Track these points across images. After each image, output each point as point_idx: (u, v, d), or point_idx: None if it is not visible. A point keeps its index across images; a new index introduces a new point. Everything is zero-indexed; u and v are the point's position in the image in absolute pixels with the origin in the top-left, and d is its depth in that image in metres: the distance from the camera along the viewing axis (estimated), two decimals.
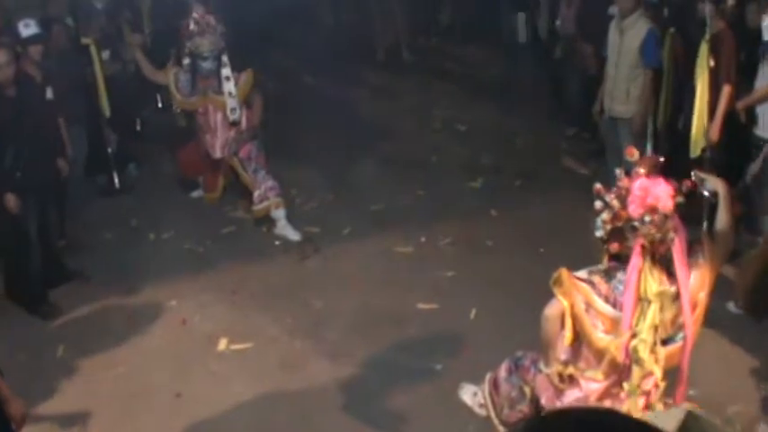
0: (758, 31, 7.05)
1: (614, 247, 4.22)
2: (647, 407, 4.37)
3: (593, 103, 8.56)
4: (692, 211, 4.45)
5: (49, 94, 7.74)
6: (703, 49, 7.03)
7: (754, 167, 7.06)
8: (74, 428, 5.91)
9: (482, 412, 5.40)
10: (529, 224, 8.38)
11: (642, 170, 4.11)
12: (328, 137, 10.66)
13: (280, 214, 8.55)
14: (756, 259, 6.09)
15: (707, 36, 7.01)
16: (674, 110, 7.95)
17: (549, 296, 6.62)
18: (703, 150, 7.20)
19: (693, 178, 4.46)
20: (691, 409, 4.14)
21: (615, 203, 4.15)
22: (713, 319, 6.51)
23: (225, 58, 8.35)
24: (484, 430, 5.37)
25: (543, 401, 4.70)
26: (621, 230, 4.16)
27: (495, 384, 5.20)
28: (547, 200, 8.80)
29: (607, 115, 8.27)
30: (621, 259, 4.22)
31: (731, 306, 6.59)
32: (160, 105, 12.11)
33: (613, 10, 8.28)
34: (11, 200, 6.96)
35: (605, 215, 4.19)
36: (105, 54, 9.23)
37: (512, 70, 12.98)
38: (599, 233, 4.27)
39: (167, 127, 10.81)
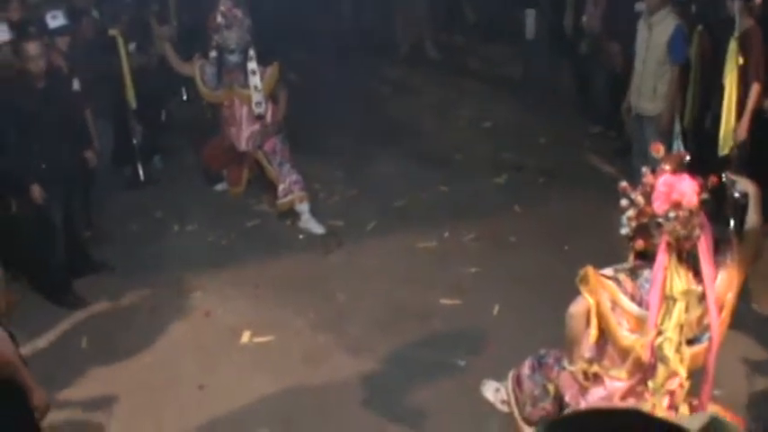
0: None
1: (639, 244, 4.20)
2: (672, 407, 4.35)
3: (619, 101, 8.53)
4: (721, 211, 4.43)
5: (76, 85, 7.80)
6: (732, 46, 6.98)
7: None
8: (97, 419, 5.94)
9: (504, 408, 5.38)
10: (552, 221, 8.35)
11: (667, 167, 4.08)
12: (351, 132, 10.66)
13: (304, 208, 8.57)
14: None
15: (736, 33, 6.97)
16: (701, 108, 7.88)
17: (573, 293, 6.61)
18: (731, 149, 7.15)
19: (724, 179, 4.43)
20: (715, 414, 4.13)
21: (640, 200, 4.13)
22: (738, 319, 6.53)
23: (251, 52, 8.36)
24: (506, 426, 5.36)
25: (567, 399, 4.68)
26: (647, 227, 4.13)
27: (518, 381, 5.19)
28: (570, 197, 8.77)
29: (634, 113, 8.23)
30: (647, 257, 4.19)
31: (756, 306, 6.56)
32: (185, 98, 12.14)
33: (641, 6, 8.23)
34: (36, 191, 7.00)
35: (630, 212, 4.18)
36: (132, 46, 9.25)
37: (536, 68, 12.91)
38: (624, 230, 4.25)
39: (192, 119, 10.85)
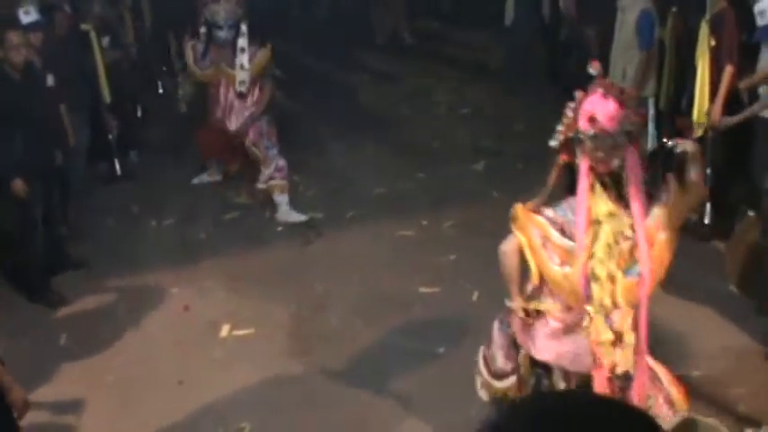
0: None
1: (563, 158, 4.37)
2: (618, 339, 4.34)
3: None
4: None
5: (50, 81, 7.74)
6: (704, 28, 6.99)
7: None
8: (77, 416, 5.91)
9: (483, 396, 5.37)
10: None
11: (599, 89, 4.18)
12: (329, 122, 10.64)
13: (283, 199, 8.55)
14: (745, 235, 6.16)
15: (707, 16, 6.98)
16: (676, 91, 7.90)
17: None
18: (705, 131, 7.17)
19: (669, 143, 4.50)
20: (692, 416, 4.18)
21: (569, 114, 4.26)
22: (715, 299, 6.57)
23: (244, 27, 8.32)
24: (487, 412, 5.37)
25: (519, 340, 4.73)
26: (571, 142, 4.27)
27: (488, 345, 5.17)
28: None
29: None
30: (573, 192, 4.29)
31: (733, 287, 6.58)
32: (161, 91, 12.10)
33: None
34: (18, 185, 6.96)
35: (561, 125, 4.31)
36: (105, 40, 9.19)
37: (514, 54, 12.89)
38: (553, 143, 4.37)
39: (168, 114, 10.79)
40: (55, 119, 7.69)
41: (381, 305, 6.92)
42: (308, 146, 9.93)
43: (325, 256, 7.81)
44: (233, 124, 8.59)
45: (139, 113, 10.95)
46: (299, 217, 8.48)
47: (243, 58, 8.32)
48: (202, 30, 8.51)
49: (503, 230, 7.83)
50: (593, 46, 9.46)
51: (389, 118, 11.05)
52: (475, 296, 6.94)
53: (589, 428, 1.39)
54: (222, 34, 8.37)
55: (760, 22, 6.72)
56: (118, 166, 9.55)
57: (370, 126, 10.68)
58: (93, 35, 8.89)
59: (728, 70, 7.09)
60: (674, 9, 7.77)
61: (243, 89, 8.40)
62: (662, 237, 4.23)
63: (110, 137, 9.36)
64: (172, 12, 11.41)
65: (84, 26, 8.89)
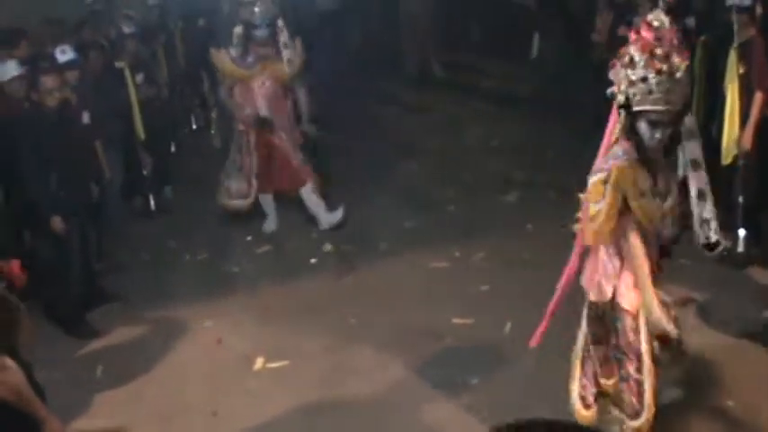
0: None
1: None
2: None
3: None
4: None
5: (86, 118, 7.87)
6: (732, 56, 7.00)
7: None
8: None
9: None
10: (564, 237, 8.31)
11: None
12: (359, 153, 10.70)
13: (320, 208, 8.96)
14: None
15: (735, 43, 6.98)
16: (706, 118, 7.89)
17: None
18: (735, 158, 7.16)
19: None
20: None
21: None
22: (751, 326, 6.52)
23: (281, 23, 8.48)
24: None
25: None
26: None
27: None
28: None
29: None
30: None
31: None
32: (195, 127, 12.25)
33: (638, 20, 8.25)
34: (57, 222, 7.07)
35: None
36: (139, 77, 9.33)
37: (544, 84, 12.92)
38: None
39: (202, 148, 10.91)
40: (91, 155, 7.82)
41: (414, 336, 6.91)
42: (338, 177, 9.96)
43: (358, 289, 7.83)
44: (264, 110, 8.66)
45: (173, 149, 11.08)
46: (338, 215, 8.84)
47: (288, 53, 8.48)
48: (238, 30, 8.62)
49: (536, 261, 7.91)
50: None
51: (420, 149, 11.10)
52: (507, 327, 6.91)
53: None
54: (259, 33, 8.50)
55: None
56: (152, 201, 9.66)
57: (400, 157, 10.74)
58: (127, 72, 9.02)
59: (759, 97, 7.09)
60: (702, 37, 7.78)
61: (293, 84, 8.67)
62: None
63: (144, 172, 9.47)
64: (204, 48, 11.58)
65: (118, 63, 9.04)
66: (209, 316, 7.49)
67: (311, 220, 9.16)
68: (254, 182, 8.93)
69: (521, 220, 8.85)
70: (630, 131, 4.52)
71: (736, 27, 6.97)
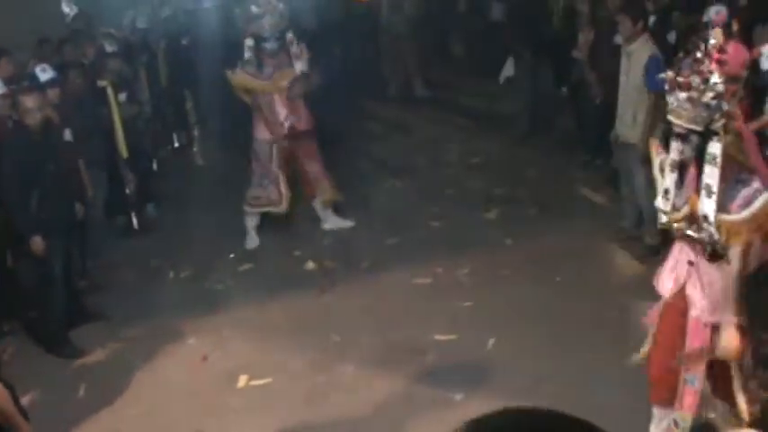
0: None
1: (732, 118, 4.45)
2: None
3: (604, 129, 8.63)
4: None
5: (68, 136, 7.88)
6: None
7: None
8: None
9: None
10: (545, 253, 8.40)
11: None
12: (342, 171, 10.72)
13: (328, 212, 9.30)
14: None
15: None
16: None
17: (566, 324, 6.69)
18: None
19: None
20: None
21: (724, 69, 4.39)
22: None
23: (290, 35, 8.63)
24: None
25: None
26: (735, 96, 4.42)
27: None
28: (561, 228, 8.83)
29: (619, 140, 8.29)
30: None
31: None
32: (177, 145, 12.28)
33: (619, 38, 8.33)
34: (37, 242, 7.06)
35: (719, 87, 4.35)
36: (122, 96, 9.34)
37: (523, 103, 13.00)
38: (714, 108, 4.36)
39: (185, 167, 10.93)
40: (73, 173, 7.82)
41: (397, 353, 6.93)
42: None
43: (341, 305, 7.85)
44: (281, 127, 8.81)
45: (156, 167, 11.09)
46: (347, 222, 9.21)
47: (300, 64, 8.57)
48: (249, 43, 8.67)
49: (517, 276, 7.96)
50: (595, 90, 9.57)
51: (402, 167, 11.15)
52: (490, 343, 6.95)
53: None
54: (269, 45, 8.59)
55: (765, 65, 6.80)
56: (135, 220, 9.67)
57: (382, 175, 10.79)
58: (110, 91, 9.04)
59: None
60: (680, 54, 7.84)
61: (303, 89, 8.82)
62: None
63: (127, 191, 9.47)
64: (186, 68, 11.62)
65: (101, 82, 9.05)
66: (193, 334, 7.50)
67: (294, 237, 9.21)
68: (282, 186, 9.02)
69: (502, 235, 8.89)
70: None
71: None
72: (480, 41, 15.16)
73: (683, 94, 4.36)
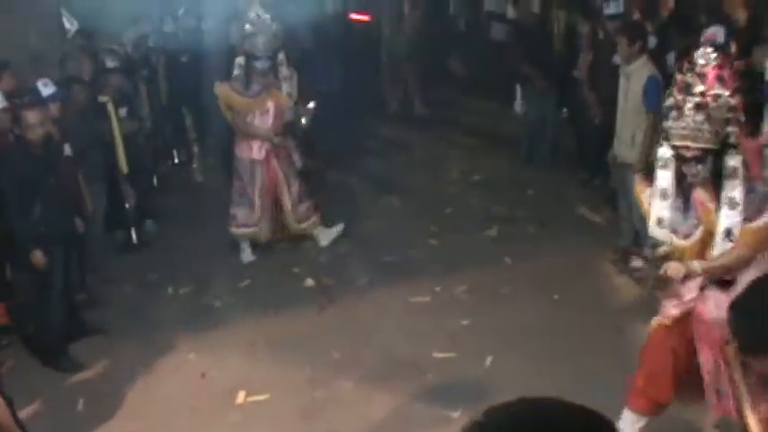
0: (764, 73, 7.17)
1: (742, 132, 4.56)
2: None
3: (603, 149, 8.67)
4: None
5: (67, 150, 7.89)
6: None
7: None
8: None
9: None
10: (543, 271, 8.42)
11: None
12: (341, 189, 10.77)
13: (320, 230, 9.24)
14: None
15: None
16: None
17: (564, 342, 6.72)
18: None
19: None
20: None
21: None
22: None
23: (281, 56, 8.70)
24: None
25: None
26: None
27: None
28: (560, 246, 8.86)
29: (617, 160, 8.33)
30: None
31: None
32: (176, 161, 12.29)
33: (617, 58, 8.38)
34: (37, 256, 7.06)
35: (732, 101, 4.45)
36: (122, 111, 9.36)
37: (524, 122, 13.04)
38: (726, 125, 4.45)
39: (184, 183, 10.94)
40: (73, 187, 7.84)
41: (395, 370, 6.94)
42: (322, 212, 10.02)
43: (339, 322, 7.85)
44: (256, 152, 8.87)
45: (156, 183, 11.11)
46: (338, 228, 9.30)
47: (287, 87, 8.63)
48: (240, 61, 8.72)
49: (516, 295, 7.98)
50: (594, 110, 9.61)
51: (401, 185, 11.18)
52: (488, 361, 6.96)
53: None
54: (260, 64, 8.64)
55: None
56: (134, 235, 9.67)
57: (381, 193, 10.82)
58: (110, 106, 9.06)
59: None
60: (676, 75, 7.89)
61: (290, 116, 8.86)
62: None
63: (126, 206, 9.48)
64: (186, 84, 11.65)
65: (101, 98, 9.07)
66: (192, 349, 7.49)
67: (292, 254, 9.24)
68: (259, 210, 9.05)
69: (501, 254, 8.92)
70: None
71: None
72: (480, 60, 15.24)
73: (699, 116, 4.39)
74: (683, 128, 4.49)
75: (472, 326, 7.57)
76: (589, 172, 10.51)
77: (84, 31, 10.46)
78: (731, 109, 4.43)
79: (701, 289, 4.90)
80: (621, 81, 8.12)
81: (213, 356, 7.37)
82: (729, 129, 4.46)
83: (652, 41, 8.69)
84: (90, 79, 9.25)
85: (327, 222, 9.53)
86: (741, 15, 8.79)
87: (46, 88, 7.98)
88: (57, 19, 10.16)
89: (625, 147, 8.10)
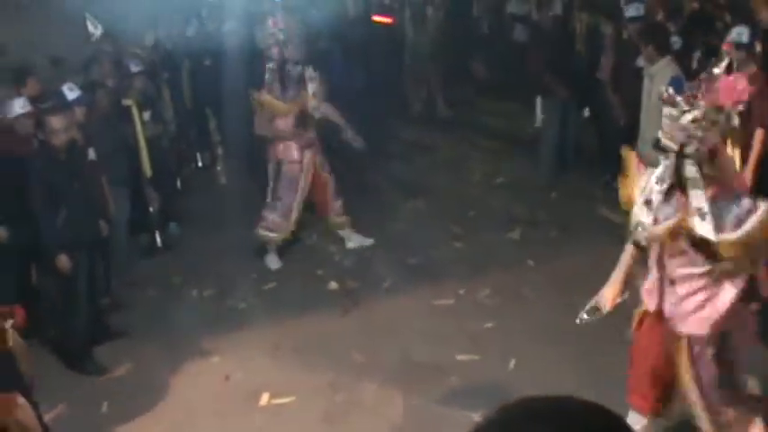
0: None
1: (706, 145, 4.51)
2: None
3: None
4: None
5: (92, 154, 7.94)
6: None
7: None
8: None
9: None
10: (565, 274, 8.39)
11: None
12: (364, 191, 10.77)
13: (349, 231, 9.39)
14: None
15: None
16: None
17: (586, 344, 6.69)
18: None
19: None
20: None
21: (709, 97, 4.48)
22: None
23: (302, 60, 8.84)
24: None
25: None
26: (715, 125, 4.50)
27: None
28: (583, 249, 8.82)
29: None
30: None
31: None
32: (200, 164, 12.33)
33: (641, 60, 8.35)
34: (63, 260, 7.12)
35: (697, 113, 4.47)
36: (146, 115, 9.41)
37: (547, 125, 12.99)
38: (688, 133, 4.47)
39: (208, 186, 10.97)
40: (97, 191, 7.88)
41: (418, 373, 6.95)
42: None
43: (363, 325, 7.87)
44: (297, 153, 8.98)
45: (179, 186, 11.15)
46: (366, 240, 9.43)
47: (313, 87, 8.78)
48: (271, 67, 8.78)
49: (539, 297, 7.96)
50: (617, 112, 9.57)
51: (424, 187, 11.17)
52: (512, 364, 6.96)
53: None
54: (293, 70, 8.72)
55: None
56: (159, 238, 9.71)
57: (405, 195, 10.82)
58: (134, 110, 9.11)
59: (759, 134, 7.16)
60: (703, 74, 7.85)
61: (318, 114, 8.93)
62: None
63: (150, 209, 9.52)
64: (209, 87, 11.68)
65: (125, 101, 9.11)
66: (216, 352, 7.53)
67: (316, 257, 9.26)
68: (292, 215, 9.10)
69: (523, 256, 8.91)
70: None
71: (735, 64, 7.05)
72: (503, 62, 15.20)
73: (666, 110, 4.43)
74: (663, 117, 4.53)
75: (495, 328, 7.57)
76: (612, 173, 10.45)
77: (108, 35, 10.51)
78: (694, 120, 4.43)
79: (661, 288, 5.04)
80: (645, 82, 8.09)
81: (237, 359, 7.40)
82: (688, 139, 4.46)
83: (676, 42, 8.66)
84: (114, 83, 9.30)
85: (355, 226, 9.56)
86: (766, 15, 8.74)
87: (71, 92, 8.03)
88: (81, 23, 10.21)
89: (649, 147, 8.05)
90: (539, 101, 12.39)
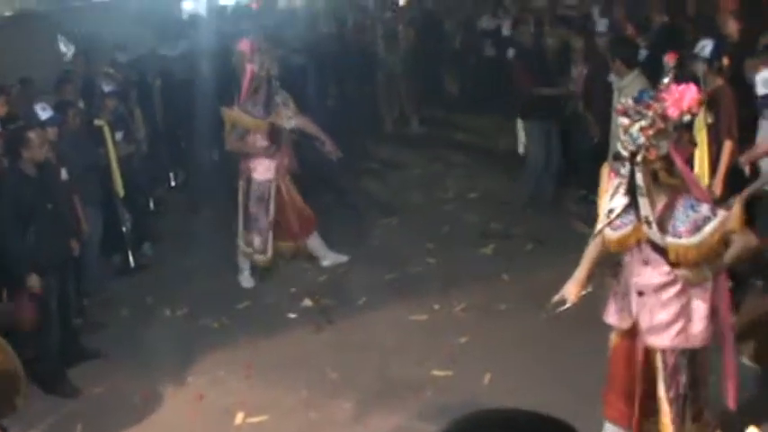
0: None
1: (653, 154, 4.50)
2: None
3: (599, 164, 8.66)
4: None
5: (64, 174, 7.91)
6: None
7: None
8: None
9: None
10: (540, 287, 8.36)
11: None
12: (338, 209, 10.76)
13: (321, 248, 9.39)
14: (755, 307, 6.25)
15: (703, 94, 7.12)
16: None
17: (562, 358, 6.70)
18: None
19: None
20: None
21: (657, 107, 4.50)
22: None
23: (275, 81, 8.84)
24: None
25: None
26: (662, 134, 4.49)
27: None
28: (557, 263, 8.76)
29: None
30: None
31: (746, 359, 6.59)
32: (173, 184, 12.30)
33: (612, 76, 8.41)
34: (33, 279, 7.06)
35: (643, 122, 4.48)
36: (118, 135, 9.39)
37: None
38: (637, 143, 4.50)
39: (180, 206, 10.94)
40: (69, 211, 7.84)
41: (393, 389, 6.93)
42: (318, 232, 10.01)
43: (338, 342, 7.84)
44: (273, 172, 8.95)
45: (152, 206, 11.11)
46: (341, 257, 9.39)
47: (287, 109, 8.88)
48: (244, 84, 8.79)
49: (514, 311, 7.96)
50: (593, 129, 9.62)
51: (398, 204, 11.19)
52: (487, 378, 6.95)
53: None
54: (264, 87, 8.75)
55: (761, 90, 6.87)
56: (131, 258, 9.68)
57: (378, 212, 10.82)
58: (106, 130, 9.08)
59: (728, 145, 7.22)
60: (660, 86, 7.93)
61: (291, 124, 8.96)
62: None
63: (123, 229, 9.49)
64: (182, 107, 11.67)
65: (97, 122, 9.09)
66: (190, 372, 7.48)
67: (290, 274, 9.23)
68: (270, 235, 9.05)
69: (498, 270, 8.92)
70: None
71: (702, 77, 7.12)
72: (475, 78, 15.27)
73: (620, 119, 4.52)
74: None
75: (470, 343, 7.56)
76: (585, 188, 10.49)
77: (80, 55, 10.50)
78: (641, 129, 4.49)
79: (631, 303, 5.16)
80: (615, 95, 8.15)
81: (211, 378, 7.36)
82: (635, 147, 4.53)
83: (643, 54, 8.72)
84: (85, 103, 9.28)
85: (328, 244, 9.53)
86: (732, 28, 8.83)
87: (44, 112, 8.01)
88: (53, 43, 10.20)
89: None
90: (520, 124, 11.98)
